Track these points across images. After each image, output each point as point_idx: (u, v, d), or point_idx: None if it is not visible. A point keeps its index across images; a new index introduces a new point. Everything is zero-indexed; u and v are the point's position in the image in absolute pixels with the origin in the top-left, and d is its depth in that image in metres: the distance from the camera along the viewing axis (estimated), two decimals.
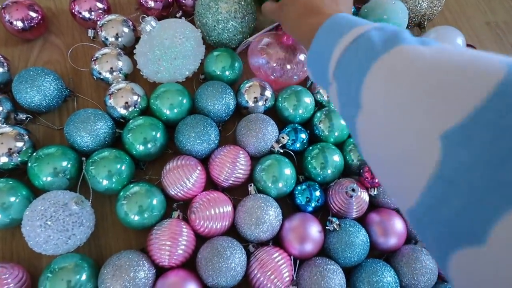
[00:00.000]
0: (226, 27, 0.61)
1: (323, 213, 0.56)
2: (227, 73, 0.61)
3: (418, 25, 0.75)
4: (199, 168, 0.52)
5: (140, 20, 0.57)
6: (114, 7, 0.70)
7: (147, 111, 0.58)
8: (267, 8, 0.54)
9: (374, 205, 0.58)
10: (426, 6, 0.71)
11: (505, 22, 0.87)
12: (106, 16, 0.63)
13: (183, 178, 0.51)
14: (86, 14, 0.63)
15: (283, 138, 0.57)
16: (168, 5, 0.67)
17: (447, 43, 0.69)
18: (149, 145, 0.53)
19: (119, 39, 0.62)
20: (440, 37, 0.70)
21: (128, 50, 0.63)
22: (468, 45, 0.74)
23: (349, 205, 0.54)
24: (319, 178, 0.56)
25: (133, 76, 0.62)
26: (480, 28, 0.85)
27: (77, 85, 0.62)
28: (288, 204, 0.57)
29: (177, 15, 0.69)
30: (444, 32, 0.70)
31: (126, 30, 0.62)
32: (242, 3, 0.61)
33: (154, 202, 0.50)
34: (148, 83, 0.61)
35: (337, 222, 0.52)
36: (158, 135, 0.54)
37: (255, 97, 0.59)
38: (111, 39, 0.61)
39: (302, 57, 0.61)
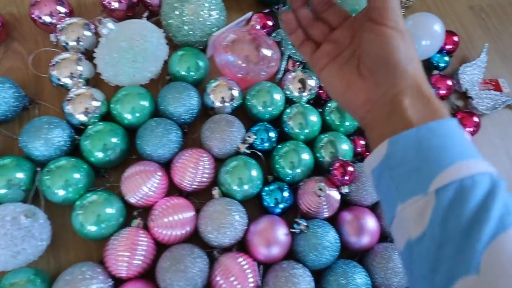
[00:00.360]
0: (192, 29, 0.59)
1: (293, 214, 0.54)
2: (192, 73, 0.59)
3: None
4: (158, 173, 0.51)
5: (96, 23, 0.55)
6: (79, 9, 0.68)
7: (108, 116, 0.56)
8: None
9: (347, 203, 0.55)
10: None
11: (489, 5, 0.83)
12: (66, 19, 0.61)
13: (141, 185, 0.49)
14: (47, 19, 0.61)
15: (249, 137, 0.55)
16: (132, 5, 0.65)
17: (425, 29, 0.66)
18: (108, 152, 0.52)
19: (80, 43, 0.60)
20: (418, 24, 0.67)
21: (91, 54, 0.61)
22: (448, 31, 0.71)
23: (318, 205, 0.51)
24: (288, 178, 0.54)
25: (95, 81, 0.60)
26: (463, 13, 0.81)
27: (39, 92, 0.60)
28: (256, 206, 0.55)
29: (144, 16, 0.67)
30: (422, 19, 0.67)
31: (87, 33, 0.60)
32: (209, 2, 0.58)
33: (112, 211, 0.48)
34: (113, 87, 0.59)
35: (305, 224, 0.50)
36: (118, 141, 0.52)
37: (222, 97, 0.57)
38: (72, 43, 0.60)
39: (267, 52, 0.58)
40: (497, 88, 0.73)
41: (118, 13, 0.64)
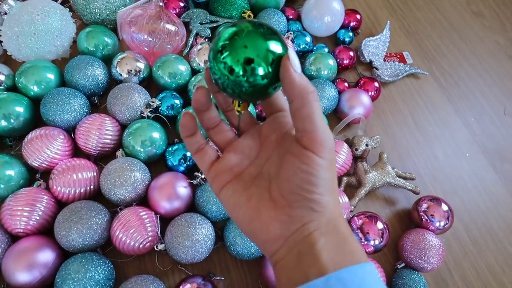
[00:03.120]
0: (97, 7, 0.62)
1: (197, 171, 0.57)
2: (101, 48, 0.61)
3: None
4: (61, 136, 0.52)
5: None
6: None
7: (15, 90, 0.58)
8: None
9: None
10: None
11: None
12: None
13: (43, 148, 0.50)
14: None
15: (152, 102, 0.57)
16: None
17: (326, 7, 0.72)
18: (11, 120, 0.53)
19: None
20: (319, 2, 0.72)
21: None
22: (351, 10, 0.77)
23: None
24: None
25: (4, 57, 0.61)
26: None
27: None
28: (162, 167, 0.57)
29: None
30: None
31: None
32: None
33: (11, 173, 0.49)
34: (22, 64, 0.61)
35: (202, 177, 0.52)
36: (22, 110, 0.54)
37: (128, 70, 0.60)
38: None
39: (170, 27, 0.62)
40: (402, 60, 0.79)
41: None
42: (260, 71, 0.25)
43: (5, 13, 0.57)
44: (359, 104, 0.65)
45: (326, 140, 0.25)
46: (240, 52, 0.24)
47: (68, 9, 0.61)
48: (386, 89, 0.74)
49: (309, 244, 0.26)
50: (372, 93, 0.69)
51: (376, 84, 0.69)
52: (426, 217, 0.56)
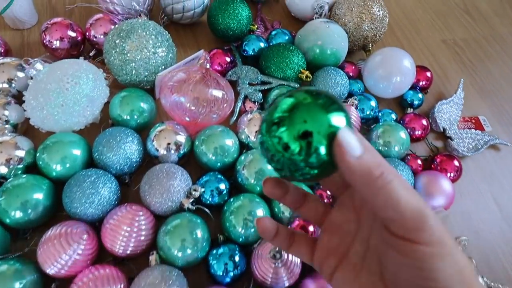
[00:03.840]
0: (134, 68, 0.53)
1: (247, 283, 0.46)
2: (135, 116, 0.52)
3: (362, 48, 0.67)
4: (84, 236, 0.43)
5: (23, 64, 0.49)
6: (22, 49, 0.63)
7: (35, 168, 0.49)
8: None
9: (310, 267, 0.47)
10: (367, 28, 0.63)
11: (462, 39, 0.79)
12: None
13: (61, 253, 0.41)
14: None
15: (195, 191, 0.47)
16: (77, 44, 0.60)
17: (394, 65, 0.61)
18: (29, 211, 0.44)
19: (13, 85, 0.54)
20: (386, 59, 0.62)
21: None
22: (419, 66, 0.66)
23: (276, 272, 0.44)
24: (241, 239, 0.47)
25: (27, 126, 0.53)
26: (436, 47, 0.77)
27: None
28: (203, 274, 0.47)
29: (90, 54, 0.62)
30: (390, 54, 0.62)
31: (20, 74, 0.54)
32: (154, 38, 0.53)
33: (19, 285, 0.40)
34: (46, 134, 0.52)
35: None
36: (42, 197, 0.45)
37: (167, 144, 0.50)
38: (2, 85, 0.54)
39: (217, 93, 0.52)
40: (478, 126, 0.68)
41: (60, 53, 0.59)
42: (322, 150, 0.21)
43: (31, 78, 0.49)
44: (439, 192, 0.53)
45: (422, 218, 0.19)
46: (299, 126, 0.21)
47: (101, 71, 0.53)
48: (462, 161, 0.62)
49: None
50: (452, 174, 0.57)
51: (456, 163, 0.58)
52: None
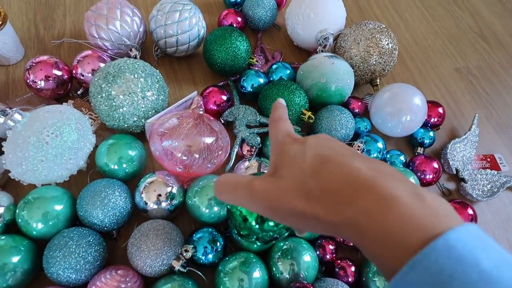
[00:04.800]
0: (122, 113, 0.49)
1: None
2: (124, 165, 0.49)
3: (370, 83, 0.63)
4: None
5: (4, 109, 0.46)
6: (6, 86, 0.60)
7: (14, 225, 0.46)
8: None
9: None
10: (375, 62, 0.59)
11: (477, 66, 0.75)
12: None
13: None
14: None
15: (186, 251, 0.44)
16: (63, 83, 0.56)
17: (404, 103, 0.57)
18: (7, 277, 0.41)
19: None
20: (395, 96, 0.57)
21: None
22: (430, 102, 0.62)
23: None
24: None
25: (6, 179, 0.50)
26: (448, 76, 0.73)
27: None
28: None
29: (78, 92, 0.58)
30: (399, 91, 0.58)
31: (1, 120, 0.51)
32: (143, 81, 0.50)
33: None
34: (28, 187, 0.49)
35: None
36: (19, 259, 0.42)
37: (158, 195, 0.47)
38: None
39: (211, 140, 0.49)
40: (494, 165, 0.63)
41: (46, 93, 0.56)
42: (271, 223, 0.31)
43: (10, 129, 0.45)
44: None
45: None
46: None
47: (87, 117, 0.49)
48: (476, 207, 0.58)
49: None
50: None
51: (470, 211, 0.53)
52: None
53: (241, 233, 0.31)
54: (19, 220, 0.44)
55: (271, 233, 0.30)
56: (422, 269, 0.19)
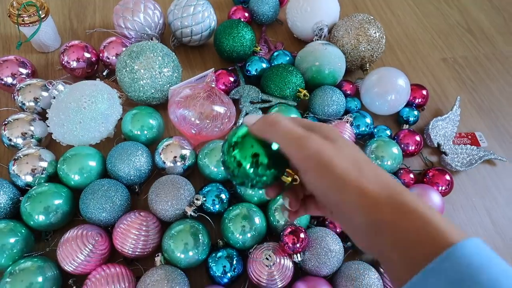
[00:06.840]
0: (142, 85, 0.59)
1: (244, 284, 0.50)
2: (145, 132, 0.58)
3: (360, 68, 0.71)
4: (97, 238, 0.48)
5: (47, 85, 0.55)
6: (45, 69, 0.70)
7: (56, 177, 0.55)
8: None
9: (303, 271, 0.51)
10: (364, 49, 0.67)
11: (463, 56, 0.82)
12: (27, 80, 0.62)
13: (77, 252, 0.46)
14: (9, 80, 0.62)
15: (197, 200, 0.52)
16: (91, 64, 0.66)
17: (390, 83, 0.65)
18: (50, 215, 0.50)
19: (38, 103, 0.60)
20: (382, 78, 0.65)
21: None
22: (414, 84, 0.70)
23: (269, 275, 0.47)
24: (239, 244, 0.51)
25: (49, 140, 0.59)
26: (436, 66, 0.80)
27: None
28: (203, 275, 0.51)
29: (103, 73, 0.68)
30: (386, 73, 0.66)
31: (44, 94, 0.60)
32: (161, 59, 0.59)
33: (41, 280, 0.45)
34: (67, 148, 0.58)
35: None
36: (61, 203, 0.51)
37: (174, 157, 0.55)
38: (29, 104, 0.60)
39: (220, 109, 0.57)
40: (474, 142, 0.70)
41: (77, 71, 0.65)
42: (264, 161, 0.30)
43: (54, 97, 0.55)
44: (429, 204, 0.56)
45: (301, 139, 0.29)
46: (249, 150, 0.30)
47: (116, 91, 0.59)
48: (456, 178, 0.65)
49: None
50: (443, 188, 0.60)
51: (448, 177, 0.61)
52: None
53: (237, 181, 0.31)
54: (60, 173, 0.53)
55: (264, 178, 0.30)
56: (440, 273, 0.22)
